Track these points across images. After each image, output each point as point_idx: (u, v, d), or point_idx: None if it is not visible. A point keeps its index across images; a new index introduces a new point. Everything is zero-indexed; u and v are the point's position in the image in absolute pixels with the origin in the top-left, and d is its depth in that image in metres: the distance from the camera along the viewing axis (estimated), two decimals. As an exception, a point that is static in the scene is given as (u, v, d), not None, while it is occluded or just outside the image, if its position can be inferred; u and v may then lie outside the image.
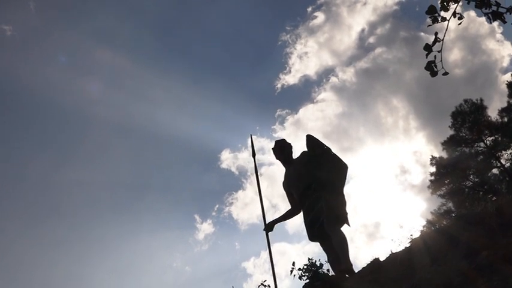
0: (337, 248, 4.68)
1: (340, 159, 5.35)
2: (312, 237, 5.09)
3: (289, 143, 5.70)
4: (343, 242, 4.73)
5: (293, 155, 5.62)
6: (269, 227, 5.45)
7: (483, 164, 22.40)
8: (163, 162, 41.55)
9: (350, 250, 4.66)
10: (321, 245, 5.04)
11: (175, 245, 37.48)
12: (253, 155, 5.96)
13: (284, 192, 5.62)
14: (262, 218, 5.49)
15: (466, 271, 3.06)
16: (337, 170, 5.27)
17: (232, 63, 43.78)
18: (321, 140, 5.46)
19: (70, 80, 36.30)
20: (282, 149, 5.59)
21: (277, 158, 5.68)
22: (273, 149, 5.72)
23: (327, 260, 4.76)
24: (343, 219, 4.95)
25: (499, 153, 22.36)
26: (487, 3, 2.71)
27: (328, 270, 4.18)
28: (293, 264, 4.20)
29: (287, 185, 5.51)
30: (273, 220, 5.52)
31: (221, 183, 40.33)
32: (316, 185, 5.07)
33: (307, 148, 5.41)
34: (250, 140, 6.08)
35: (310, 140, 5.42)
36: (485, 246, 3.33)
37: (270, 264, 5.14)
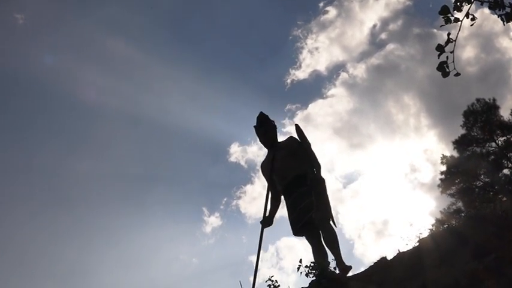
0: (328, 245, 4.56)
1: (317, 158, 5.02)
2: (297, 232, 4.80)
3: (274, 124, 5.22)
4: (335, 239, 4.56)
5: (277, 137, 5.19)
6: (269, 220, 5.00)
7: (494, 165, 22.26)
8: (171, 154, 41.72)
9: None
10: (308, 240, 4.78)
11: (183, 237, 37.67)
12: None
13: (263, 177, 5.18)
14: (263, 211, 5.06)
15: (473, 273, 3.06)
16: (318, 168, 4.89)
17: (242, 57, 43.80)
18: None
19: (80, 70, 36.48)
20: (266, 132, 5.12)
21: (261, 141, 5.21)
22: (257, 129, 5.19)
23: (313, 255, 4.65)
24: (331, 217, 4.71)
25: (511, 154, 22.21)
26: (501, 4, 2.70)
27: (335, 268, 4.18)
28: (300, 261, 4.22)
29: (269, 170, 5.02)
30: (270, 214, 5.04)
31: (230, 177, 40.46)
32: (309, 180, 4.71)
33: (298, 137, 5.03)
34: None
35: (300, 130, 5.03)
36: (493, 248, 3.32)
37: (256, 259, 4.86)
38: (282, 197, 5.03)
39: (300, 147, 4.97)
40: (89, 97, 36.21)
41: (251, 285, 4.65)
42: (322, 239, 4.63)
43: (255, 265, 4.85)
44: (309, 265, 4.10)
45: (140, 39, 38.77)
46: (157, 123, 39.01)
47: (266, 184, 5.13)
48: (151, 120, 38.95)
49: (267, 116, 5.21)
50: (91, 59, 38.58)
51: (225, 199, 41.41)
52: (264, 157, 5.26)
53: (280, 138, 5.23)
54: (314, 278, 4.07)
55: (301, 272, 4.13)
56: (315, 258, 4.58)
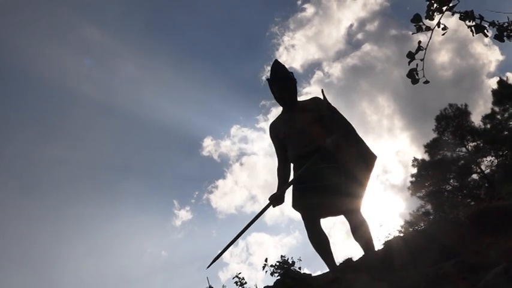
0: (361, 240, 3.76)
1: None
2: (298, 207, 3.90)
3: (294, 77, 4.17)
4: (369, 232, 3.78)
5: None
6: (280, 198, 3.97)
7: (464, 169, 22.72)
8: (144, 145, 41.50)
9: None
10: (307, 218, 3.91)
11: (153, 229, 37.52)
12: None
13: (272, 142, 4.23)
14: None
15: (433, 277, 3.11)
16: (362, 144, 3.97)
17: (219, 51, 43.87)
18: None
19: (55, 55, 35.81)
20: (283, 87, 4.09)
21: (276, 97, 4.16)
22: (272, 81, 4.13)
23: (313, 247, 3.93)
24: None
25: (480, 159, 22.69)
26: (470, 16, 2.74)
27: (300, 268, 4.21)
28: (265, 260, 4.22)
29: (283, 133, 4.07)
30: (282, 190, 4.00)
31: (202, 171, 40.45)
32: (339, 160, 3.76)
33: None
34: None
35: (325, 96, 4.00)
36: (455, 253, 3.39)
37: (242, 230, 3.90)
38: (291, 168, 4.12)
39: (329, 113, 3.98)
40: (61, 83, 35.62)
41: (220, 281, 4.58)
42: (351, 232, 3.82)
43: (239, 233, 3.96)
44: (274, 264, 4.12)
45: (117, 27, 38.35)
46: (131, 112, 38.68)
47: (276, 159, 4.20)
48: (124, 110, 38.61)
49: (284, 66, 4.20)
50: (65, 44, 37.97)
51: (196, 193, 41.37)
52: (276, 117, 4.29)
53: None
54: (279, 277, 4.08)
55: (266, 271, 4.15)
56: (312, 239, 3.91)
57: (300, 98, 4.20)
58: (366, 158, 3.93)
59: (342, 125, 3.95)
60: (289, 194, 3.99)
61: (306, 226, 3.94)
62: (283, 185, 4.04)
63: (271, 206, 3.98)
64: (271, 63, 4.23)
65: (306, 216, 3.92)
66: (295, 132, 3.96)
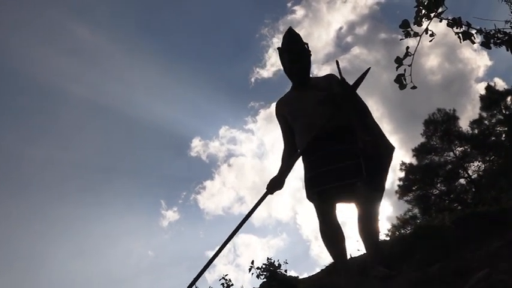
0: (365, 231, 3.34)
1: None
2: (316, 195, 3.40)
3: (309, 49, 3.63)
4: (377, 226, 3.35)
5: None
6: (279, 183, 3.49)
7: (451, 174, 22.90)
8: (133, 145, 41.40)
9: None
10: (322, 207, 3.43)
11: (140, 229, 37.42)
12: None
13: (279, 124, 3.69)
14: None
15: (418, 282, 3.13)
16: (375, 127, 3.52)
17: (209, 52, 43.91)
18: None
19: (45, 54, 35.56)
20: (303, 58, 3.55)
21: (287, 70, 3.60)
22: (284, 51, 3.58)
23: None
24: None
25: (467, 164, 22.89)
26: (458, 23, 2.77)
27: (285, 271, 4.21)
28: (252, 262, 4.21)
29: (292, 112, 3.54)
30: (281, 174, 3.52)
31: (190, 171, 40.41)
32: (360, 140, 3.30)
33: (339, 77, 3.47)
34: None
35: (339, 68, 3.44)
36: (439, 258, 3.41)
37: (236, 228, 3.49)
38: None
39: (345, 91, 3.45)
40: (51, 83, 35.39)
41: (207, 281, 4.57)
42: (358, 218, 3.36)
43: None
44: (260, 267, 4.12)
45: (107, 27, 38.21)
46: (120, 112, 38.57)
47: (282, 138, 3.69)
48: (114, 109, 38.48)
49: (298, 35, 3.63)
50: (55, 44, 37.75)
51: (184, 193, 41.26)
52: (285, 94, 3.74)
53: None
54: (265, 279, 4.08)
55: (252, 273, 4.14)
56: (325, 233, 3.45)
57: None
58: (385, 147, 3.49)
59: (358, 107, 3.48)
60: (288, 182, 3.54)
61: (318, 217, 3.48)
62: (285, 169, 3.54)
63: (269, 194, 3.50)
64: (285, 31, 3.67)
65: (320, 205, 3.44)
66: (303, 113, 3.48)
